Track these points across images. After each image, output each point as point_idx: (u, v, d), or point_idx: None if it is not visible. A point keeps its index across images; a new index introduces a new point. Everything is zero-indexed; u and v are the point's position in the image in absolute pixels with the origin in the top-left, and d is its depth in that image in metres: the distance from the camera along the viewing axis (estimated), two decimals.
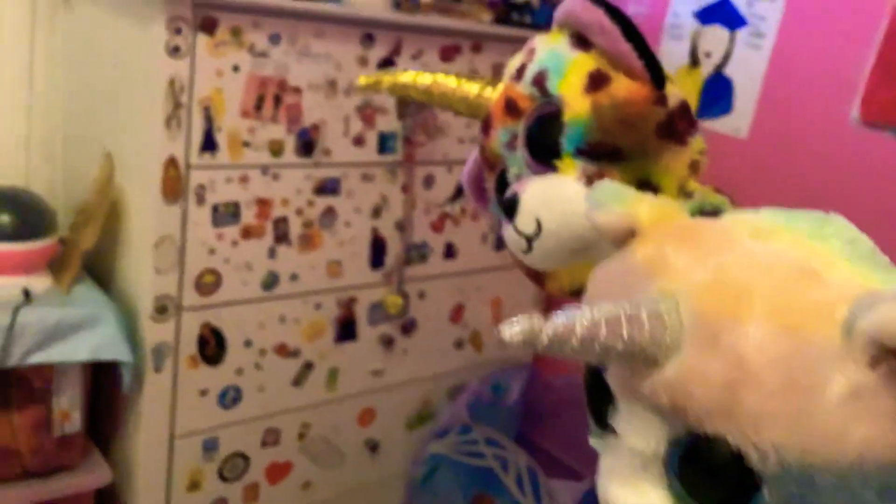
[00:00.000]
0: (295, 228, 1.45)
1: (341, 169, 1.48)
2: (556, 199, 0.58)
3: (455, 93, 0.72)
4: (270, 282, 1.47)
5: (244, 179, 1.37)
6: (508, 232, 0.62)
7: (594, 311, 0.36)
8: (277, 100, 1.35)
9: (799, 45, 1.54)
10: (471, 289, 1.78)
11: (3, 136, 1.58)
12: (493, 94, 0.70)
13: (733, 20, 1.63)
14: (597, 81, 0.59)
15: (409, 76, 0.74)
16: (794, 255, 0.36)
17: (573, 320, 0.36)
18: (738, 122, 1.63)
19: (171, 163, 1.28)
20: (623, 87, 0.59)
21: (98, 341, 1.32)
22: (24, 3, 1.53)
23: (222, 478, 1.52)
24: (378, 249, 1.59)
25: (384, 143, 1.52)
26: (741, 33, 1.62)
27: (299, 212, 1.46)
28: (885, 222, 1.41)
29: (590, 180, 0.58)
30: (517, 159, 0.63)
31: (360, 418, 1.71)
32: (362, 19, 1.41)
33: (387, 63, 1.46)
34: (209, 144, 1.31)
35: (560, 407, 1.84)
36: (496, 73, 1.62)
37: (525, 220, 0.59)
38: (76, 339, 1.32)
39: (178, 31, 1.22)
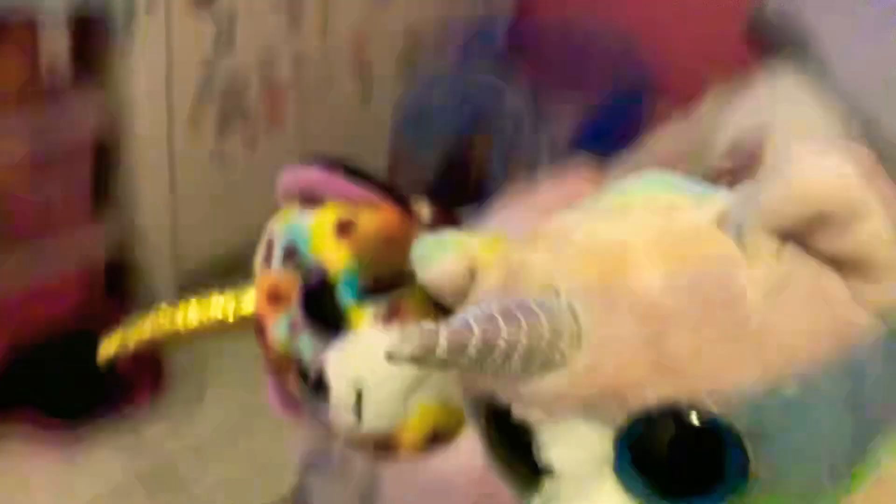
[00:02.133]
0: None
1: None
2: (364, 354, 0.55)
3: (209, 321, 0.63)
4: None
5: None
6: (333, 416, 0.57)
7: (485, 306, 0.31)
8: None
9: None
10: None
11: None
12: (249, 302, 0.62)
13: None
14: (344, 228, 0.58)
15: (150, 327, 0.63)
16: (644, 202, 0.33)
17: (468, 320, 0.30)
18: None
19: None
20: (370, 221, 0.58)
21: None
22: None
23: (222, 116, 1.50)
24: None
25: None
26: None
27: None
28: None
29: (387, 318, 0.56)
30: (305, 343, 0.58)
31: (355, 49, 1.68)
32: None
33: None
34: None
35: (551, 45, 1.84)
36: None
37: (341, 390, 0.55)
38: None
39: None
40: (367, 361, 0.53)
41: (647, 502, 0.29)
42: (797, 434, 0.27)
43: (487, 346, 0.29)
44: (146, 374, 1.29)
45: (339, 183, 0.58)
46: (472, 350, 0.29)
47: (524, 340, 0.29)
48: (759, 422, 0.27)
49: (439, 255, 0.39)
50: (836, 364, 0.27)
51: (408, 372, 0.52)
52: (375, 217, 0.57)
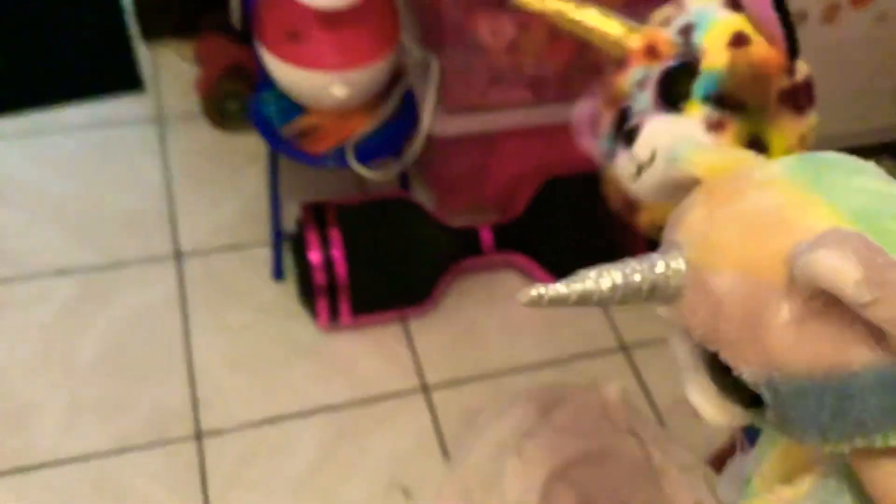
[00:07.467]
0: None
1: None
2: (676, 135, 0.64)
3: (597, 30, 0.75)
4: None
5: None
6: (621, 159, 0.68)
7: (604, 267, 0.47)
8: None
9: None
10: None
11: None
12: (632, 41, 0.73)
13: None
14: (739, 40, 0.65)
15: (560, 5, 0.75)
16: (774, 204, 0.43)
17: (576, 280, 0.47)
18: None
19: None
20: (761, 50, 0.65)
21: None
22: None
23: None
24: None
25: None
26: None
27: None
28: None
29: (711, 126, 0.64)
30: (644, 99, 0.69)
31: None
32: None
33: None
34: None
35: None
36: None
37: (642, 148, 0.65)
38: None
39: None
40: (672, 143, 0.58)
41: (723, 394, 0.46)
42: (790, 407, 0.42)
43: (613, 294, 0.46)
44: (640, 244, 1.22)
45: (765, 5, 0.65)
46: (581, 297, 0.46)
47: (620, 285, 0.46)
48: (765, 394, 0.42)
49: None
50: (823, 381, 0.40)
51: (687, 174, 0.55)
52: (766, 50, 0.65)
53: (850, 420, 0.41)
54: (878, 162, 0.45)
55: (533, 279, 1.31)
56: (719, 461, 0.95)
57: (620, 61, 0.73)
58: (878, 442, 0.42)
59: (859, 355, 0.38)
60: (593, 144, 0.76)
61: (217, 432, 1.14)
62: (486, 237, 1.26)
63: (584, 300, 0.47)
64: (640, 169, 0.65)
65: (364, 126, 1.19)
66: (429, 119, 1.20)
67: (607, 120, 0.73)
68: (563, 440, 0.95)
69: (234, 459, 1.12)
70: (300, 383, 1.19)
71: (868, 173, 0.46)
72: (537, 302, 0.46)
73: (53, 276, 1.29)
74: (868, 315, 0.36)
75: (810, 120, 0.69)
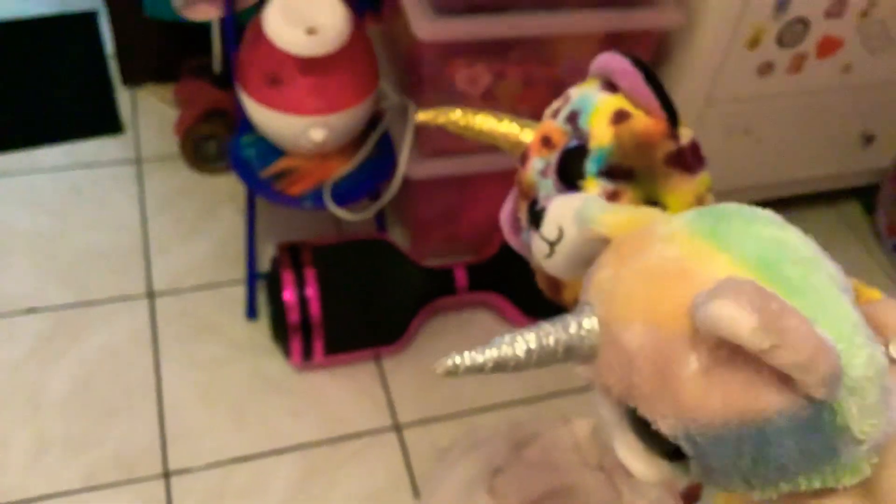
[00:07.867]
0: None
1: None
2: (579, 206, 0.66)
3: (497, 131, 0.80)
4: None
5: None
6: (534, 241, 0.70)
7: (531, 333, 0.47)
8: None
9: None
10: None
11: None
12: (528, 136, 0.78)
13: None
14: (620, 116, 0.69)
15: (458, 114, 0.80)
16: (675, 256, 0.43)
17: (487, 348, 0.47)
18: None
19: None
20: (642, 122, 0.69)
21: None
22: None
23: (780, 42, 1.38)
24: None
25: None
26: None
27: None
28: None
29: (608, 197, 0.67)
30: (548, 185, 0.73)
31: None
32: None
33: None
34: None
35: None
36: None
37: (549, 227, 0.68)
38: None
39: None
40: (580, 206, 0.61)
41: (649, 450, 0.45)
42: (711, 457, 0.41)
43: (503, 362, 0.46)
44: None
45: (637, 82, 0.69)
46: (497, 364, 0.46)
47: (535, 349, 0.46)
48: (685, 446, 0.41)
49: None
50: (738, 428, 0.39)
51: (595, 244, 0.56)
52: (646, 121, 0.68)
53: (771, 465, 0.41)
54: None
55: (506, 318, 1.33)
56: (689, 497, 0.96)
57: (523, 156, 0.77)
58: (803, 485, 0.43)
59: (770, 400, 0.39)
60: (519, 240, 0.80)
61: (185, 471, 1.13)
62: (461, 277, 1.28)
63: (500, 367, 0.47)
64: (551, 247, 0.68)
65: (342, 168, 1.22)
66: (405, 162, 1.23)
67: (523, 213, 0.76)
68: (534, 476, 0.95)
69: (202, 499, 1.10)
70: (272, 421, 1.19)
71: (764, 221, 0.47)
72: (454, 372, 0.46)
73: (24, 314, 1.28)
74: (770, 361, 0.37)
75: (703, 179, 0.72)
